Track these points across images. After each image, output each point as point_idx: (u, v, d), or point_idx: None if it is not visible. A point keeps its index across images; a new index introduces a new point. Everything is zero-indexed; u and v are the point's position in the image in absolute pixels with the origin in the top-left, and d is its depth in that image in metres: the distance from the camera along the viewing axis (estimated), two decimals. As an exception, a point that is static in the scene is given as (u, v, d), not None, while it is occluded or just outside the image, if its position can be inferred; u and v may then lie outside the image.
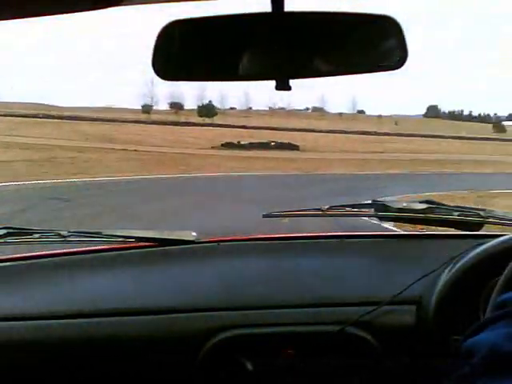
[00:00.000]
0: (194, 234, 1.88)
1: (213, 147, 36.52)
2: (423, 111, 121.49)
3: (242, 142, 39.05)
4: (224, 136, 41.60)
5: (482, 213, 1.75)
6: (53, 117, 53.04)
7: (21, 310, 1.46)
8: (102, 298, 1.51)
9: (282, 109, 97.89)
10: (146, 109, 69.93)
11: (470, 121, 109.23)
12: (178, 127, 52.71)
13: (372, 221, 2.25)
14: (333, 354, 1.34)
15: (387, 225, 4.87)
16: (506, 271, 1.10)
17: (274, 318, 1.38)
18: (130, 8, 0.92)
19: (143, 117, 62.57)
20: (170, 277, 1.70)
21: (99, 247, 1.86)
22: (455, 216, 1.75)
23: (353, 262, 1.73)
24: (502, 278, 1.11)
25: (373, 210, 1.89)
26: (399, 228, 4.16)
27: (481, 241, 1.39)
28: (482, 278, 1.28)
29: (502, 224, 1.75)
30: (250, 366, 1.33)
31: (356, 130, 63.23)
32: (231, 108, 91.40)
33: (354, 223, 2.94)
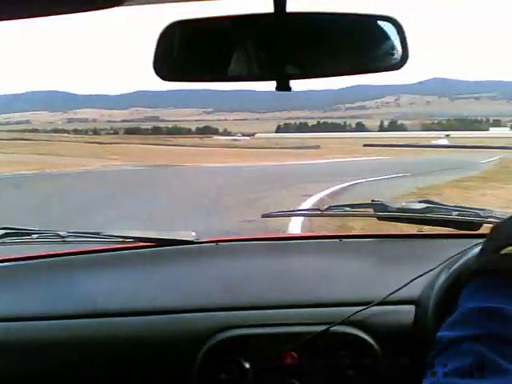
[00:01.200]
0: (194, 234, 1.89)
1: None
2: None
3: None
4: None
5: (481, 213, 1.75)
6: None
7: (21, 310, 1.46)
8: (101, 299, 1.51)
9: None
10: None
11: None
12: None
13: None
14: (332, 354, 1.33)
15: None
16: None
17: (274, 317, 1.38)
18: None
19: None
20: (169, 277, 1.70)
21: (99, 247, 1.87)
22: (454, 216, 1.76)
23: (352, 262, 1.73)
24: None
25: (372, 209, 1.89)
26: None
27: (480, 241, 1.36)
28: None
29: None
30: (249, 367, 1.32)
31: None
32: None
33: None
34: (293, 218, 6.93)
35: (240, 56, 0.98)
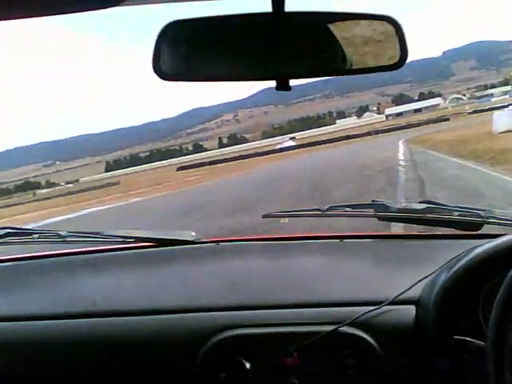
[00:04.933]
0: (194, 234, 1.90)
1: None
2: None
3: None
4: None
5: (481, 213, 1.74)
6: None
7: (21, 310, 1.46)
8: (101, 298, 1.51)
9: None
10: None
11: None
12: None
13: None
14: (332, 355, 1.33)
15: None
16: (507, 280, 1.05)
17: (274, 317, 1.38)
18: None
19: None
20: (170, 277, 1.71)
21: (99, 247, 1.88)
22: (455, 216, 1.75)
23: (353, 262, 1.72)
24: (503, 286, 1.05)
25: (373, 210, 1.88)
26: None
27: (481, 241, 1.36)
28: (482, 279, 1.26)
29: (502, 224, 1.73)
30: (249, 367, 1.32)
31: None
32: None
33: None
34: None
35: (239, 56, 0.98)
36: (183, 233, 1.92)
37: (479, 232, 1.73)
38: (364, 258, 1.75)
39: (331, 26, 0.96)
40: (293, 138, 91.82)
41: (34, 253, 1.87)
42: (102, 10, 0.82)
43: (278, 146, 60.32)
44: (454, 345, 1.24)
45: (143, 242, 1.87)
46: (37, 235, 1.82)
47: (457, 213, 1.75)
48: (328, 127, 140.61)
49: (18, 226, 1.85)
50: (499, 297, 1.04)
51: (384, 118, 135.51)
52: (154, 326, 1.40)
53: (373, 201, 1.92)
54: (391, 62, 0.98)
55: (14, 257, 1.84)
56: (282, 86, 0.95)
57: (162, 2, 0.87)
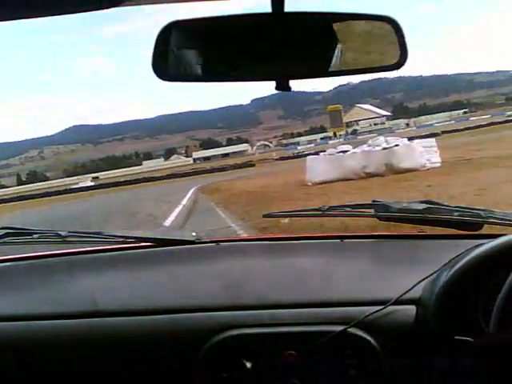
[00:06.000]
0: (194, 234, 1.89)
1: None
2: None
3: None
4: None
5: (482, 213, 1.74)
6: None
7: (21, 310, 1.45)
8: (101, 298, 1.50)
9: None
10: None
11: None
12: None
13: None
14: (333, 355, 1.33)
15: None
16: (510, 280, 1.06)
17: (274, 318, 1.38)
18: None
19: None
20: (170, 277, 1.70)
21: (99, 247, 1.86)
22: (455, 216, 1.74)
23: (353, 263, 1.72)
24: (505, 286, 1.06)
25: (373, 210, 1.88)
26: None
27: (481, 241, 1.37)
28: (482, 279, 1.26)
29: (502, 224, 1.73)
30: (249, 367, 1.32)
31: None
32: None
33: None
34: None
35: (239, 56, 0.98)
36: (183, 233, 1.93)
37: (479, 232, 1.73)
38: (364, 258, 1.75)
39: (331, 27, 0.96)
40: (96, 178, 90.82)
41: (34, 253, 1.85)
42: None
43: (74, 186, 58.77)
44: (455, 345, 1.24)
45: (143, 241, 1.86)
46: (37, 235, 1.81)
47: (457, 213, 1.75)
48: (134, 168, 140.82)
49: (17, 226, 1.83)
50: (501, 296, 1.05)
51: (191, 161, 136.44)
52: (155, 326, 1.40)
53: (373, 201, 1.92)
54: (391, 62, 0.98)
55: (14, 257, 1.81)
56: (282, 86, 0.95)
57: (162, 3, 0.88)
